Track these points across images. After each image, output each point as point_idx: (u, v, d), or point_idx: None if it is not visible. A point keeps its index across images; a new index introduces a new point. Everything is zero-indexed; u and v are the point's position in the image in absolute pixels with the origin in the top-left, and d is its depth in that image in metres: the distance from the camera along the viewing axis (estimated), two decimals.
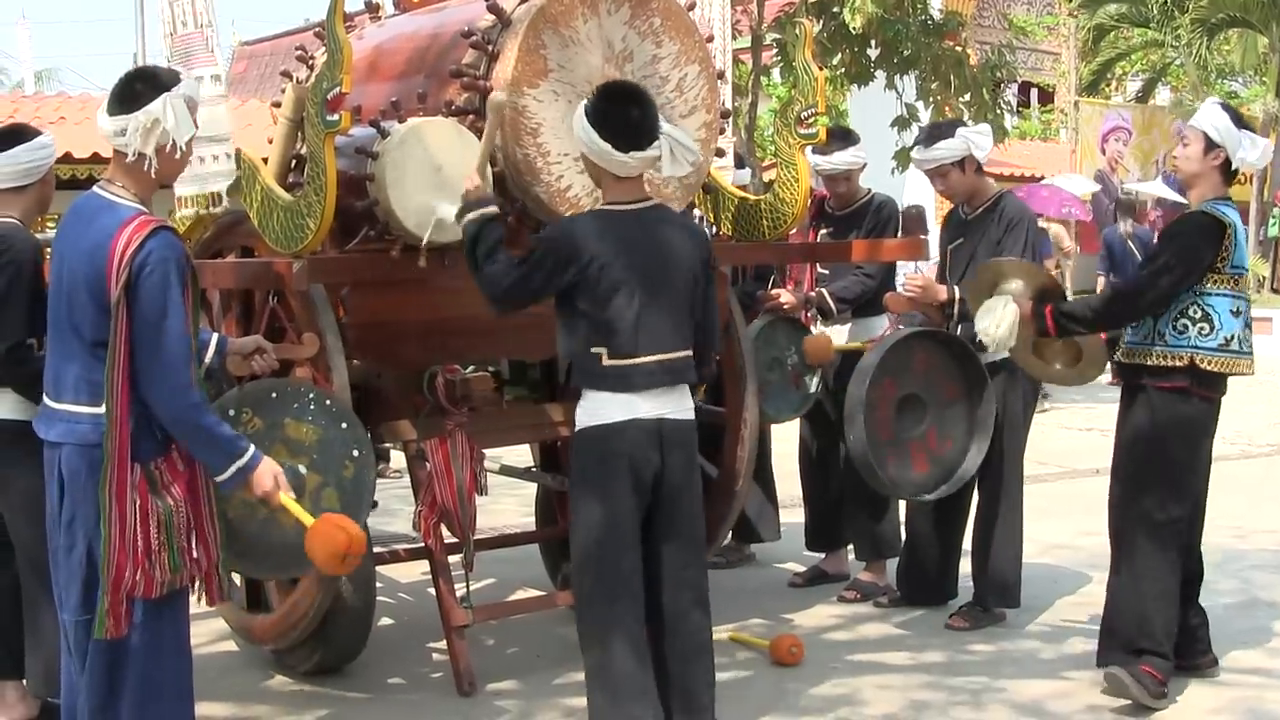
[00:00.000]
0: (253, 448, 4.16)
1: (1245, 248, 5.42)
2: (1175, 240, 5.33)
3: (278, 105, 6.09)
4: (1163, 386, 5.33)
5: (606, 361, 4.54)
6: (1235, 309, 5.33)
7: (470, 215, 4.67)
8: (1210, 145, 5.35)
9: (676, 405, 4.65)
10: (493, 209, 4.70)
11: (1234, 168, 5.41)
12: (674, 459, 4.62)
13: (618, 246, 4.55)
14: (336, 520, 4.24)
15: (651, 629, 4.65)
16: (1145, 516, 5.37)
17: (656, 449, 4.58)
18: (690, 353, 4.70)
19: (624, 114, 4.55)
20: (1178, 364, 5.28)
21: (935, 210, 21.44)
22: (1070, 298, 5.97)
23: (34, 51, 37.23)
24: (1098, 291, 13.01)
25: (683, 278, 4.66)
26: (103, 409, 3.97)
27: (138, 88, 4.09)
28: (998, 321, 5.56)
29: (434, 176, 5.05)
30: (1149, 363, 5.35)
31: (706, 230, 5.00)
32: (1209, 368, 5.28)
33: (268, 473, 4.17)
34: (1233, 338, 5.30)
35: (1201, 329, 5.27)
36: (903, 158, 14.24)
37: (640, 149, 4.55)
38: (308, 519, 4.22)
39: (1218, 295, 5.29)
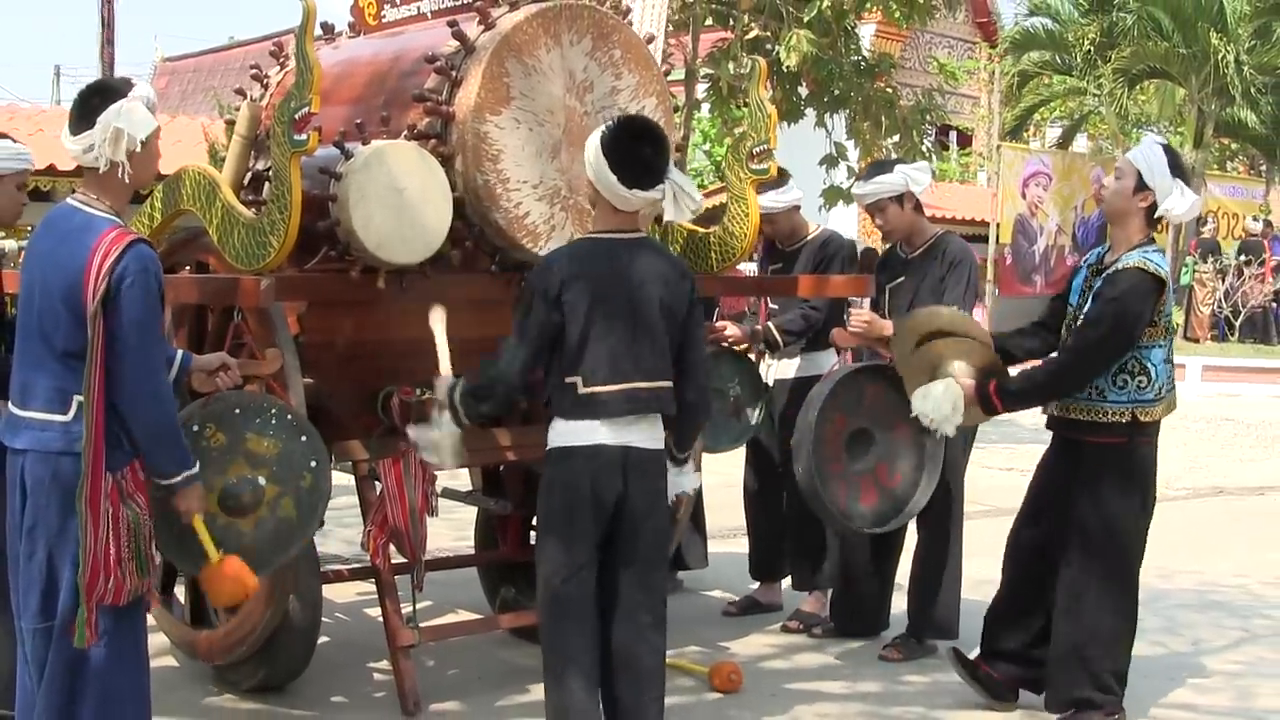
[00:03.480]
0: (198, 465, 4.28)
1: (1173, 295, 5.48)
2: (1115, 305, 5.22)
3: (231, 123, 6.11)
4: (1104, 441, 5.35)
5: (581, 390, 4.58)
6: (1166, 356, 5.38)
7: (455, 395, 4.78)
8: (1141, 185, 5.31)
9: (646, 435, 4.67)
10: (459, 380, 4.82)
11: (1158, 215, 5.36)
12: (638, 486, 4.65)
13: (593, 273, 4.60)
14: (239, 569, 4.44)
15: (605, 651, 4.69)
16: (1106, 565, 5.39)
17: (619, 474, 4.61)
18: (668, 384, 4.72)
19: (637, 150, 4.61)
20: (1119, 420, 5.32)
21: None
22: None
23: None
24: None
25: (661, 309, 4.67)
26: (69, 417, 4.03)
27: (94, 103, 4.16)
28: (937, 404, 5.52)
29: (396, 199, 5.09)
30: (1087, 418, 5.36)
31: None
32: (1148, 419, 5.34)
33: (199, 493, 4.32)
34: (1164, 384, 5.36)
35: (1140, 383, 5.30)
36: (830, 196, 14.35)
37: (643, 188, 4.61)
38: (214, 552, 4.41)
39: (1153, 347, 5.32)
